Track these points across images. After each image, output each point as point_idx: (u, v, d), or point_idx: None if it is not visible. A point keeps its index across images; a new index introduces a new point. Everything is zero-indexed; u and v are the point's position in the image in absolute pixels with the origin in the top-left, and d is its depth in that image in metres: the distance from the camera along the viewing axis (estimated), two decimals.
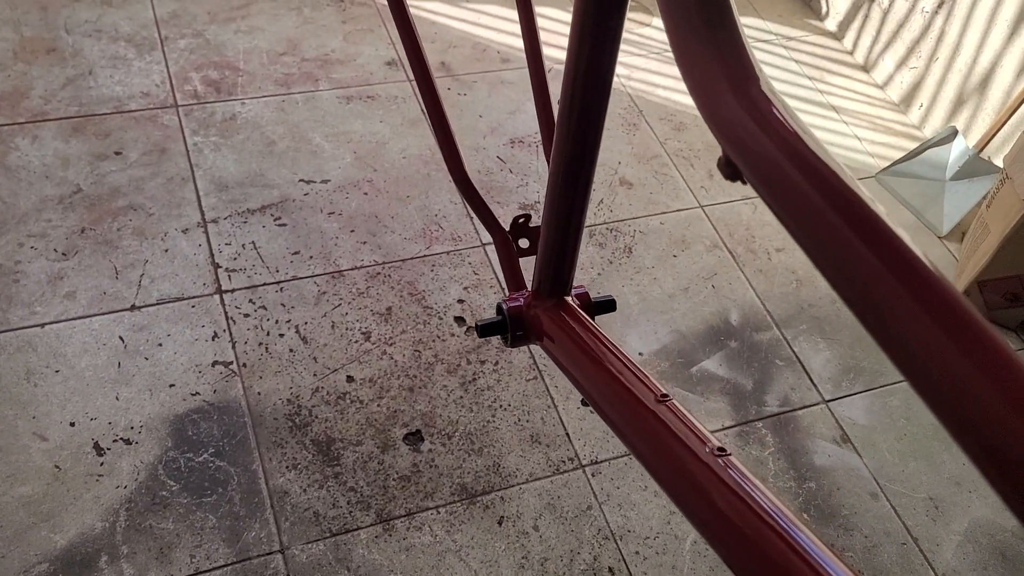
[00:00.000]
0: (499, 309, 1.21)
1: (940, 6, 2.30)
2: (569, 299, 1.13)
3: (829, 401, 1.78)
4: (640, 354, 1.77)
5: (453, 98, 2.19)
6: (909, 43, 2.41)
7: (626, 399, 0.89)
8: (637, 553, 1.50)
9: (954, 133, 2.21)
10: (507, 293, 1.25)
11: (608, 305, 1.21)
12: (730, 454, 0.72)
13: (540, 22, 1.44)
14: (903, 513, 1.63)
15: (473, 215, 1.94)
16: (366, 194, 1.94)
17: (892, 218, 0.50)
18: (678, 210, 2.06)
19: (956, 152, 2.20)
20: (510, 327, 1.18)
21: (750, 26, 2.63)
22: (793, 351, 1.84)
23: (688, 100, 2.29)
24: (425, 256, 1.85)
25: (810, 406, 1.76)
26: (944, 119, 2.35)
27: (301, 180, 1.95)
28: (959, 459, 1.72)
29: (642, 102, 2.31)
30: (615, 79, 2.33)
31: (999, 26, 2.14)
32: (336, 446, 1.55)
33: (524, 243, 1.32)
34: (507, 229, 1.32)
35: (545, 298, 1.13)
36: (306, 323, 1.70)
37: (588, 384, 0.96)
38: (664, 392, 0.85)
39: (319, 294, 1.75)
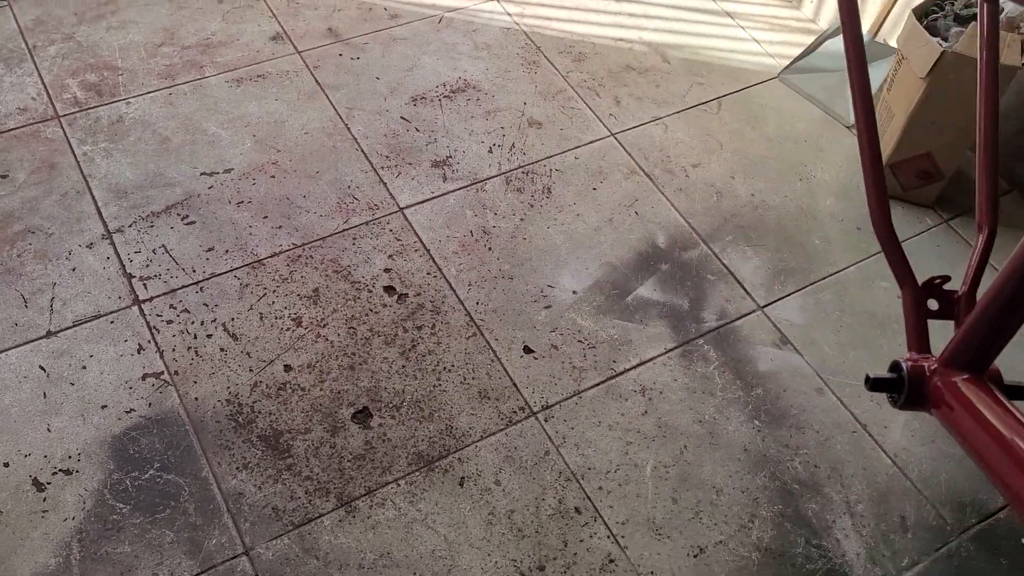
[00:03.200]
0: (896, 367, 1.20)
1: None
2: (984, 378, 1.11)
3: (764, 307, 1.80)
4: (574, 292, 1.77)
5: (346, 63, 2.13)
6: None
7: None
8: (600, 488, 1.52)
9: None
10: (908, 352, 1.25)
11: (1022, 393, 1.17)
12: None
13: None
14: (849, 403, 1.67)
15: (386, 181, 1.90)
16: (273, 177, 1.88)
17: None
18: (591, 142, 2.05)
19: None
20: (907, 389, 1.18)
21: None
22: (723, 263, 1.86)
23: (585, 29, 2.27)
24: (344, 230, 1.81)
25: (747, 315, 1.78)
26: (836, 8, 2.35)
27: (203, 173, 1.88)
28: (896, 341, 1.77)
29: (538, 38, 2.27)
30: (507, 18, 2.30)
31: None
32: (284, 438, 1.52)
33: (933, 304, 1.31)
34: (919, 285, 1.31)
35: (958, 370, 1.12)
36: (233, 319, 1.66)
37: (1003, 471, 0.97)
38: None
39: (241, 287, 1.70)
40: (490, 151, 1.99)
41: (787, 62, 2.28)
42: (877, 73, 2.16)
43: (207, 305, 1.67)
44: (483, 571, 1.41)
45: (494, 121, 2.05)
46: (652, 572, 1.44)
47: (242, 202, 1.83)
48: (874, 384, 1.20)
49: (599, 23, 2.33)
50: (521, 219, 1.88)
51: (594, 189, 1.95)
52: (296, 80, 2.07)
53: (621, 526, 1.48)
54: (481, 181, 1.93)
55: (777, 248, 1.90)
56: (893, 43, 2.19)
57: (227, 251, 1.75)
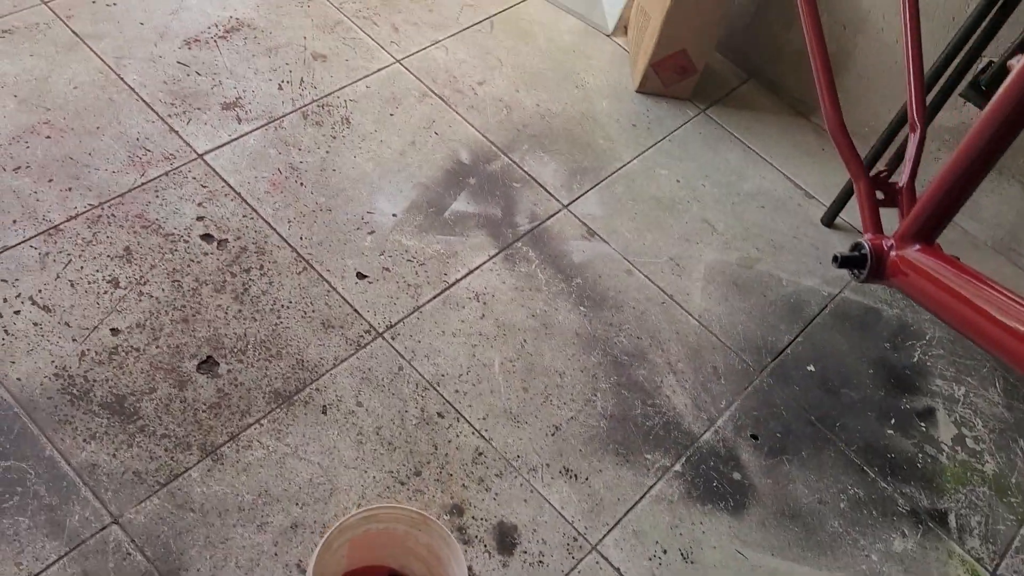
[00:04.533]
0: (859, 246, 1.39)
1: None
2: (936, 247, 1.31)
3: (568, 205, 1.95)
4: (394, 215, 1.81)
5: (102, 10, 1.98)
6: None
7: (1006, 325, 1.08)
8: (457, 391, 1.60)
9: None
10: (865, 234, 1.44)
11: None
12: None
13: None
14: (654, 278, 1.87)
15: (177, 129, 1.82)
16: (48, 137, 1.74)
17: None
18: (378, 70, 2.07)
19: None
20: (871, 263, 1.37)
21: None
22: (524, 171, 1.98)
23: None
24: (144, 184, 1.72)
25: (554, 214, 1.92)
26: None
27: None
28: (682, 220, 1.99)
29: None
30: None
31: None
32: (129, 401, 1.46)
33: (879, 195, 1.52)
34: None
35: (913, 242, 1.31)
36: (40, 291, 1.54)
37: (968, 318, 1.16)
38: None
39: (42, 256, 1.58)
40: (280, 88, 1.95)
41: None
42: None
43: (7, 281, 1.54)
44: (363, 487, 1.46)
45: (277, 58, 2.01)
46: (518, 455, 1.56)
47: (19, 167, 1.68)
48: (842, 262, 1.43)
49: None
50: (327, 152, 1.88)
51: (391, 115, 1.99)
52: (50, 33, 1.90)
53: (482, 421, 1.58)
54: (278, 119, 1.90)
55: (569, 151, 2.04)
56: None
57: (15, 221, 1.61)
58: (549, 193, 1.95)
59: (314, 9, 2.15)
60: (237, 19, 2.06)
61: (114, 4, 2.00)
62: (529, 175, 1.97)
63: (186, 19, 2.02)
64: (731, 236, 1.99)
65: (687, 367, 1.75)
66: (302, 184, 1.80)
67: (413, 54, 2.13)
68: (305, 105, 1.94)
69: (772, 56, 2.30)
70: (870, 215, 1.52)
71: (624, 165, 2.05)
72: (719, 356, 1.78)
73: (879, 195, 1.56)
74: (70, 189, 1.68)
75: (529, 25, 2.30)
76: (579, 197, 1.96)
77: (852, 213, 2.06)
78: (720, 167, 2.12)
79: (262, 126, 1.88)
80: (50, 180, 1.68)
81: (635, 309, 1.81)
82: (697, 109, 2.25)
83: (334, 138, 1.90)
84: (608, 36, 2.35)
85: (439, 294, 1.72)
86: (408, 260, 1.75)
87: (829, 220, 2.07)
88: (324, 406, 1.53)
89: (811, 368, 1.81)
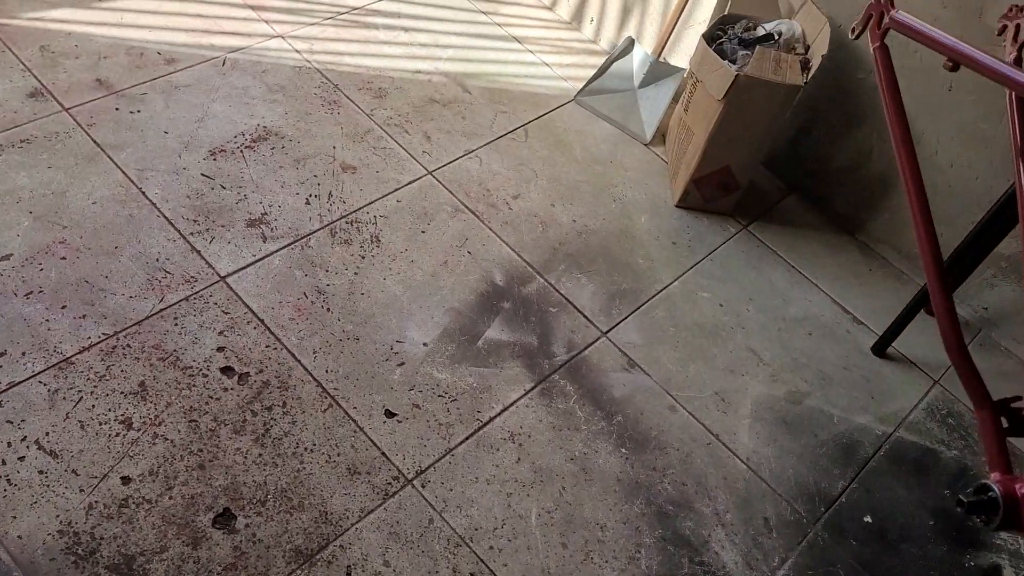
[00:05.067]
0: (985, 489, 1.19)
1: None
2: None
3: (607, 332, 1.84)
4: (425, 344, 1.71)
5: (126, 118, 1.90)
6: None
7: None
8: (491, 548, 1.48)
9: (631, 43, 2.32)
10: (991, 473, 1.23)
11: None
12: None
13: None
14: (699, 415, 1.76)
15: (199, 248, 1.73)
16: (64, 258, 1.65)
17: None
18: (410, 183, 1.99)
19: (638, 61, 2.32)
20: (1003, 511, 1.17)
21: None
22: (561, 294, 1.88)
23: (380, 63, 2.19)
24: (162, 311, 1.62)
25: (593, 343, 1.82)
26: (616, 29, 2.46)
27: None
28: (726, 349, 1.88)
29: (334, 75, 2.16)
30: (297, 56, 2.17)
31: None
32: (139, 562, 1.34)
33: (1004, 423, 1.29)
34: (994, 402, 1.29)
35: None
36: (48, 433, 1.43)
37: None
38: None
39: (51, 393, 1.47)
40: (307, 202, 1.87)
41: (579, 84, 2.34)
42: (666, 90, 2.28)
43: (11, 422, 1.43)
44: None
45: (305, 169, 1.93)
46: None
47: (31, 293, 1.59)
48: (969, 508, 1.22)
49: (393, 55, 2.27)
50: (355, 273, 1.78)
51: (423, 232, 1.90)
52: (69, 142, 1.83)
53: None
54: (304, 237, 1.81)
55: (607, 272, 1.95)
56: (675, 62, 2.32)
57: (24, 354, 1.51)
58: (587, 319, 1.85)
59: (344, 116, 2.07)
60: (265, 127, 1.98)
61: (138, 112, 1.93)
62: (566, 298, 1.87)
63: (212, 128, 1.95)
64: (778, 367, 1.88)
65: (736, 518, 1.62)
66: (328, 310, 1.71)
67: (445, 165, 2.05)
68: (333, 222, 1.85)
69: (816, 171, 2.22)
70: (997, 450, 1.30)
71: (665, 287, 1.96)
72: (770, 505, 1.66)
73: (1005, 423, 1.32)
74: (84, 316, 1.58)
75: (564, 133, 2.23)
76: (619, 323, 1.86)
77: (905, 342, 1.95)
78: (764, 289, 2.02)
79: (288, 244, 1.79)
80: (63, 306, 1.58)
81: (679, 451, 1.69)
82: (739, 225, 2.16)
83: (363, 258, 1.81)
84: (646, 145, 2.27)
85: (472, 434, 1.61)
86: (439, 395, 1.65)
87: (880, 350, 1.97)
88: (349, 566, 1.41)
89: (868, 519, 1.69)
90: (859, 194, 2.17)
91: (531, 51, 2.44)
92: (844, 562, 1.61)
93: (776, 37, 1.98)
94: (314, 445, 1.52)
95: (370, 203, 1.91)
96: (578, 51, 2.49)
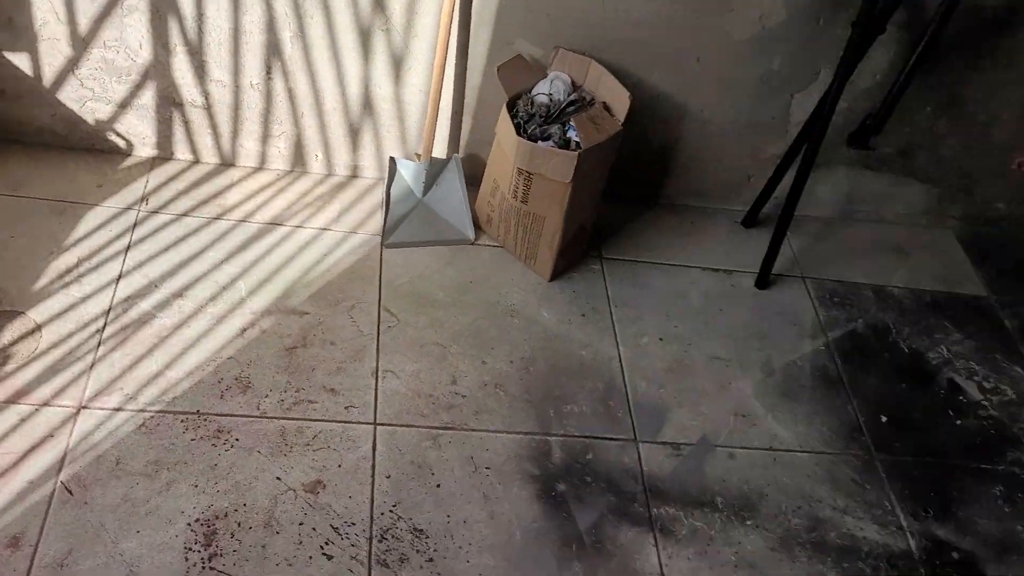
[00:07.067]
0: None
1: (269, 72, 2.07)
2: None
3: (640, 440, 1.89)
4: None
5: None
6: (259, 115, 2.15)
7: None
8: None
9: (393, 163, 2.17)
10: None
11: None
12: None
13: None
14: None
15: None
16: None
17: None
18: (368, 447, 1.74)
19: (410, 175, 2.19)
20: None
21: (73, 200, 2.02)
22: (580, 437, 1.86)
23: (205, 349, 1.82)
24: None
25: (637, 453, 1.85)
26: (348, 151, 2.25)
27: None
28: (701, 376, 2.03)
29: (180, 403, 1.74)
30: (122, 415, 1.67)
31: (344, 50, 2.05)
32: None
33: None
34: None
35: None
36: None
37: None
38: None
39: None
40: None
41: (364, 226, 2.15)
42: (451, 186, 2.20)
43: None
44: None
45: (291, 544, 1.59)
46: None
47: None
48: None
49: (202, 330, 1.86)
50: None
51: (437, 486, 1.71)
52: None
53: None
54: None
55: (578, 382, 1.95)
56: (438, 154, 2.23)
57: None
58: (618, 440, 1.87)
59: (248, 433, 1.71)
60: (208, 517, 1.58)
61: None
62: (591, 436, 1.86)
63: None
64: (740, 351, 2.09)
65: None
66: None
67: (375, 404, 1.82)
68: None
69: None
70: None
71: (620, 359, 2.02)
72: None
73: None
74: None
75: (413, 287, 2.07)
76: (639, 422, 1.91)
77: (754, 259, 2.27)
78: (665, 298, 2.18)
79: None
80: None
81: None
82: (596, 259, 2.25)
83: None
84: (473, 244, 2.20)
85: None
86: None
87: (763, 281, 2.27)
88: None
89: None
90: (650, 170, 2.37)
91: (299, 226, 2.14)
92: None
93: (577, 100, 2.01)
94: None
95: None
96: (326, 194, 2.25)
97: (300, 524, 1.60)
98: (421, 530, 1.64)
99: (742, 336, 2.14)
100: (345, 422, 1.78)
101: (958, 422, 2.07)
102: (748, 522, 1.78)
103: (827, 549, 1.76)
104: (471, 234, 2.20)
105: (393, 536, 1.62)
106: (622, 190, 2.36)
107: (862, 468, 1.93)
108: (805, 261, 2.39)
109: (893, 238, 2.52)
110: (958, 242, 2.56)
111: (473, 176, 2.24)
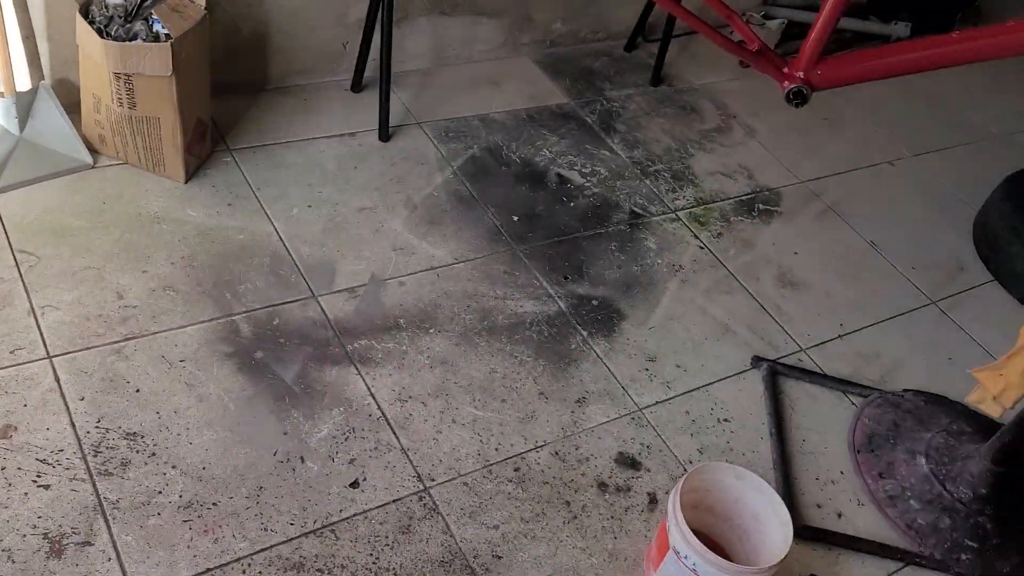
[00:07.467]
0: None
1: None
2: None
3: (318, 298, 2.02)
4: None
5: None
6: None
7: None
8: None
9: None
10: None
11: None
12: None
13: None
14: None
15: None
16: None
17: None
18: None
19: (1, 114, 2.05)
20: None
21: None
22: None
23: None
24: None
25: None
26: None
27: None
28: (375, 242, 2.21)
29: None
30: None
31: None
32: None
33: None
34: None
35: None
36: None
37: None
38: None
39: None
40: None
41: None
42: (50, 116, 2.10)
43: None
44: None
45: None
46: None
47: None
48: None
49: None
50: None
51: None
52: None
53: None
54: None
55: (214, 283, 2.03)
56: (23, 85, 2.10)
57: None
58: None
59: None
60: None
61: None
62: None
63: None
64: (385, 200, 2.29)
65: None
66: None
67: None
68: None
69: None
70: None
71: (276, 233, 2.12)
72: None
73: None
74: None
75: (68, 219, 1.98)
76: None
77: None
78: (305, 175, 2.30)
79: None
80: None
81: None
82: (227, 151, 2.29)
83: None
84: (94, 168, 2.13)
85: None
86: None
87: (384, 135, 2.47)
88: None
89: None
90: (251, 57, 2.43)
91: None
92: None
93: None
94: None
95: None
96: None
97: (2, 469, 1.55)
98: (134, 432, 1.66)
99: (380, 185, 2.34)
100: (15, 365, 1.71)
101: (571, 204, 2.47)
102: (431, 330, 2.02)
103: (499, 330, 2.06)
104: (87, 158, 2.13)
105: (107, 447, 1.63)
106: (230, 81, 2.40)
107: (509, 260, 2.24)
108: (416, 109, 2.62)
109: (484, 72, 2.84)
110: (534, 64, 2.95)
111: (73, 103, 2.14)
